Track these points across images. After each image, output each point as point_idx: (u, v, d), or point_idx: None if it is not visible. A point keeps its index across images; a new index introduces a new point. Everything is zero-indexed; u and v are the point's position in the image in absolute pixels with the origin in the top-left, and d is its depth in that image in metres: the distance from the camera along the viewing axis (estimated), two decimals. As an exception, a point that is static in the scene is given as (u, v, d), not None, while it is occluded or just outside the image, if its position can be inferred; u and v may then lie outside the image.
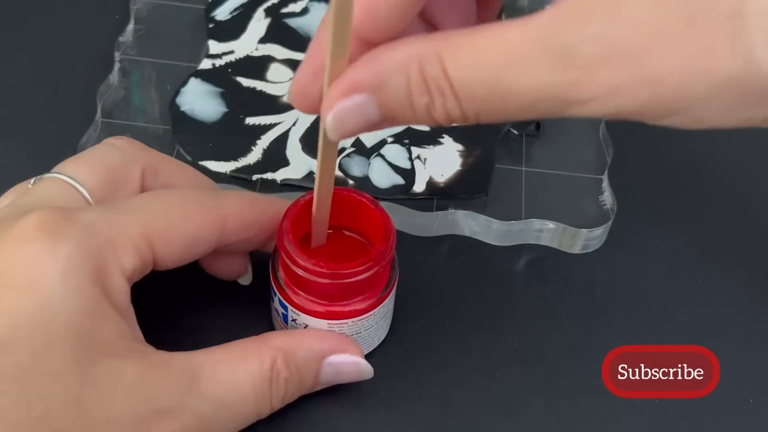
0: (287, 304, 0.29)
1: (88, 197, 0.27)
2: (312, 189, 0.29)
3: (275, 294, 0.30)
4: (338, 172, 0.36)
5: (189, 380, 0.25)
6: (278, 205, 0.30)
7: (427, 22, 0.26)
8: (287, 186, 0.35)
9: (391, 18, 0.22)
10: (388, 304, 0.30)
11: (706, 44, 0.18)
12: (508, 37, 0.20)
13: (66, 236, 0.24)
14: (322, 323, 0.29)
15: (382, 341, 0.32)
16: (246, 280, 0.32)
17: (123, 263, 0.25)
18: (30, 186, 0.28)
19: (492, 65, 0.20)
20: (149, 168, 0.29)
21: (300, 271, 0.28)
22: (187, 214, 0.27)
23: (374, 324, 0.30)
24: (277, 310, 0.30)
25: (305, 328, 0.29)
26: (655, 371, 0.32)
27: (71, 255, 0.24)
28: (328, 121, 0.23)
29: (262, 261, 0.31)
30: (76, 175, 0.27)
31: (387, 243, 0.28)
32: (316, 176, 0.27)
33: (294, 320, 0.29)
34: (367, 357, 0.31)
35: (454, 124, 0.22)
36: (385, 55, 0.22)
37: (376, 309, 0.29)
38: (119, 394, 0.23)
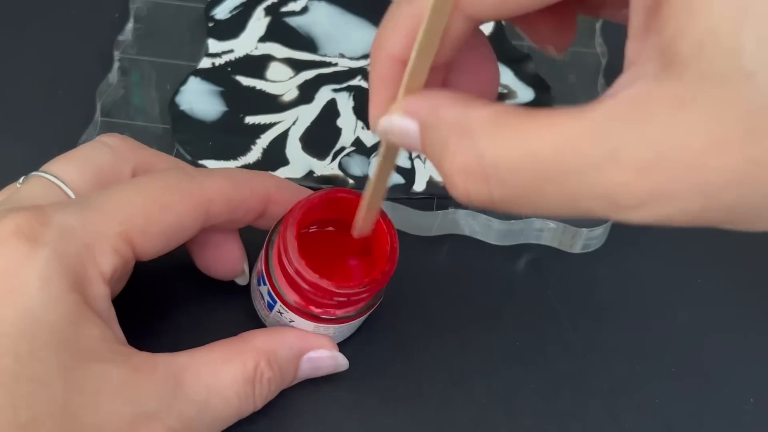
0: (276, 299, 0.29)
1: (73, 198, 0.26)
2: (315, 189, 0.29)
3: (264, 283, 0.29)
4: (338, 171, 0.36)
5: (173, 383, 0.25)
6: (265, 182, 0.29)
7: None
8: (287, 185, 0.35)
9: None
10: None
11: (765, 158, 0.17)
12: (559, 127, 0.19)
13: (43, 242, 0.23)
14: (309, 324, 0.29)
15: (383, 341, 0.32)
16: (243, 280, 0.32)
17: (102, 267, 0.25)
18: (18, 185, 0.27)
19: (536, 154, 0.19)
20: (141, 167, 0.29)
21: (304, 285, 0.27)
22: (167, 204, 0.26)
23: (358, 324, 0.30)
24: (262, 295, 0.30)
25: (291, 322, 0.29)
26: (655, 371, 0.32)
27: (49, 262, 0.23)
28: (380, 124, 0.23)
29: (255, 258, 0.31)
30: (62, 174, 0.27)
31: (390, 264, 0.28)
32: (373, 177, 0.26)
33: (280, 312, 0.29)
34: (366, 355, 0.31)
35: (480, 206, 0.21)
36: (443, 104, 0.21)
37: (365, 316, 0.29)
38: (105, 398, 0.23)
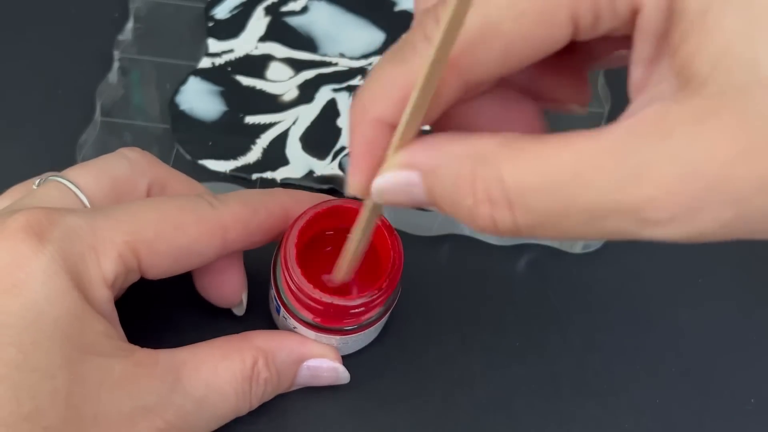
0: (280, 305, 0.29)
1: (88, 205, 0.27)
2: (316, 190, 0.29)
3: (271, 288, 0.30)
4: (339, 171, 0.36)
5: (173, 378, 0.25)
6: (282, 200, 0.29)
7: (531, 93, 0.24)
8: (287, 185, 0.35)
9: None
10: (383, 322, 0.30)
11: None
12: (578, 146, 0.19)
13: (49, 239, 0.24)
14: (311, 333, 0.29)
15: (383, 341, 0.31)
16: (240, 311, 0.31)
17: (105, 270, 0.25)
18: (34, 187, 0.27)
19: (557, 174, 0.19)
20: (157, 183, 0.29)
21: (304, 298, 0.27)
22: (180, 225, 0.26)
23: (363, 337, 0.30)
24: (271, 299, 0.30)
25: (294, 329, 0.29)
26: (655, 371, 0.32)
27: (54, 258, 0.23)
28: (375, 185, 0.22)
29: (258, 274, 0.31)
30: (79, 181, 0.27)
31: (391, 279, 0.28)
32: (354, 234, 0.26)
33: (285, 318, 0.29)
34: (365, 356, 0.31)
35: (505, 236, 0.20)
36: (446, 143, 0.21)
37: (370, 329, 0.29)
38: (106, 391, 0.24)
